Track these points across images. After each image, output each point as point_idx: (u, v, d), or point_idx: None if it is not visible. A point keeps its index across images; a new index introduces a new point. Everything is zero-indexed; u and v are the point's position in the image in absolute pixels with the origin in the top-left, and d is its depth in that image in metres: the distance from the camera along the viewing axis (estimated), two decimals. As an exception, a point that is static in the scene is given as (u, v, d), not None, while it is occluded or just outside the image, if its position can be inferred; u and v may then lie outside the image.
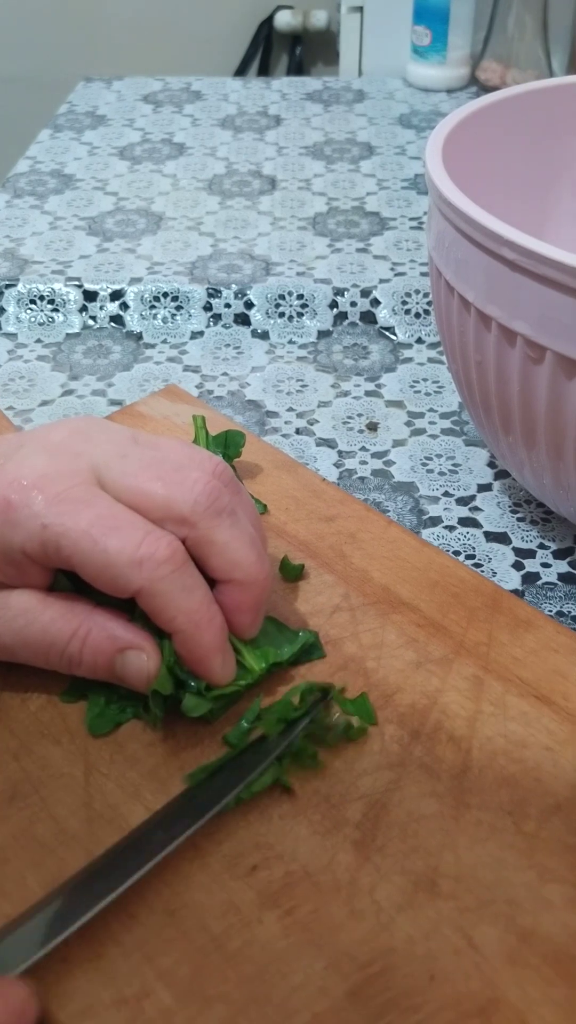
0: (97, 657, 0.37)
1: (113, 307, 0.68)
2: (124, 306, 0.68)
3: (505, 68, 1.00)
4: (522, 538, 0.50)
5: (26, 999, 0.29)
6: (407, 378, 0.62)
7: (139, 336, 0.67)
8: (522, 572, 0.48)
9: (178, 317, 0.68)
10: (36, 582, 0.37)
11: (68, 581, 0.38)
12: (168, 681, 0.37)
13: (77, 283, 0.69)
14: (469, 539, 0.50)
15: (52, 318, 0.68)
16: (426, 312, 0.67)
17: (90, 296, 0.69)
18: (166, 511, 0.36)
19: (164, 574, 0.35)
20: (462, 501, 0.52)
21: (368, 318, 0.67)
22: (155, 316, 0.68)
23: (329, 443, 0.57)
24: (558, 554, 0.49)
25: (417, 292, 0.68)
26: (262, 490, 0.49)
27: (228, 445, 0.50)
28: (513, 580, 0.48)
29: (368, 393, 0.61)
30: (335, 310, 0.68)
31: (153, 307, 0.68)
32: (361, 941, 0.32)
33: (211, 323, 0.68)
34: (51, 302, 0.69)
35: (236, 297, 0.68)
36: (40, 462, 0.37)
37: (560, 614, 0.46)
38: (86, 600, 0.38)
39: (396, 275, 0.70)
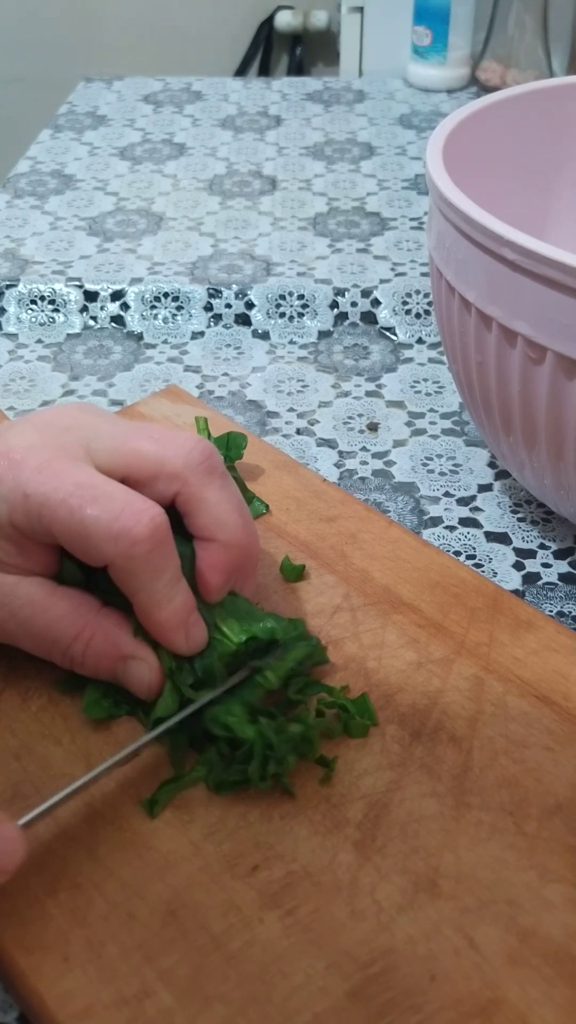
0: (99, 661, 0.37)
1: (114, 307, 0.68)
2: (125, 306, 0.68)
3: (505, 68, 1.00)
4: (523, 538, 0.50)
5: (16, 837, 0.30)
6: (408, 378, 0.62)
7: (140, 336, 0.67)
8: (523, 572, 0.48)
9: (179, 317, 0.68)
10: (40, 563, 0.38)
11: (78, 569, 0.38)
12: (172, 701, 0.37)
13: (78, 283, 0.69)
14: (470, 539, 0.50)
15: (53, 318, 0.68)
16: (427, 312, 0.67)
17: (91, 296, 0.69)
18: (158, 468, 0.37)
19: (137, 553, 0.35)
20: (463, 501, 0.52)
21: (369, 318, 0.67)
22: (156, 316, 0.68)
23: (330, 443, 0.57)
24: (558, 554, 0.49)
25: (418, 292, 0.68)
26: (263, 490, 0.49)
27: (230, 447, 0.50)
28: (514, 580, 0.48)
29: (369, 393, 0.61)
30: (336, 310, 0.68)
31: (154, 307, 0.68)
32: (362, 941, 0.32)
33: (212, 323, 0.68)
34: (52, 302, 0.69)
35: (237, 297, 0.68)
36: (28, 436, 0.37)
37: (561, 614, 0.46)
38: (93, 599, 0.38)
39: (397, 275, 0.70)
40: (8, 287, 0.69)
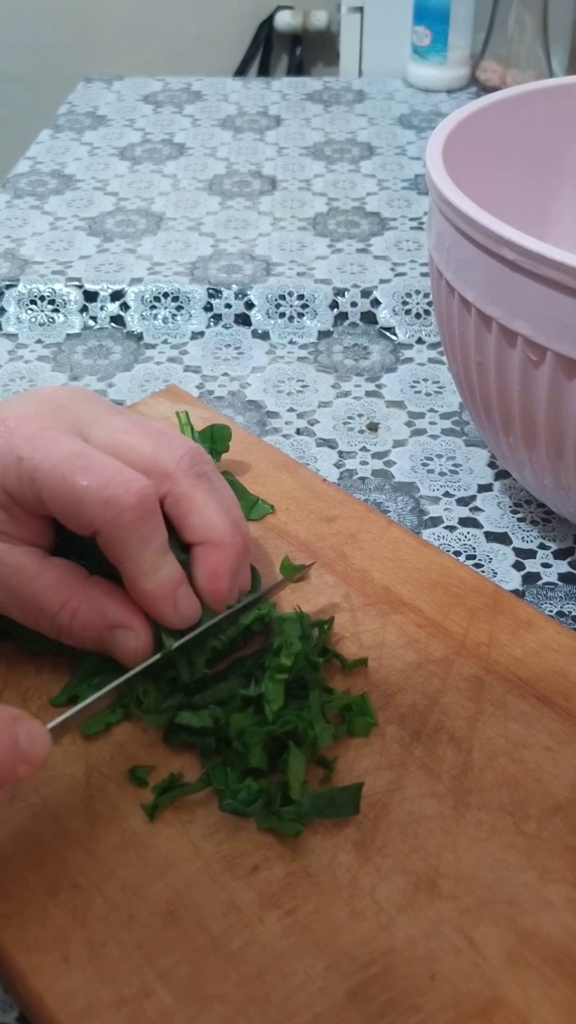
0: (86, 631, 0.38)
1: (114, 307, 0.68)
2: (124, 306, 0.68)
3: (505, 68, 1.00)
4: (522, 538, 0.50)
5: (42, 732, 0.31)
6: (407, 378, 0.62)
7: (140, 336, 0.67)
8: (522, 572, 0.48)
9: (178, 317, 0.68)
10: (31, 532, 0.38)
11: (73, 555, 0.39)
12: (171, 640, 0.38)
13: (77, 283, 0.69)
14: (469, 539, 0.50)
15: (52, 318, 0.68)
16: (426, 312, 0.67)
17: (90, 296, 0.69)
18: (151, 465, 0.37)
19: (125, 520, 0.36)
20: (462, 501, 0.52)
21: (368, 318, 0.67)
22: (155, 316, 0.68)
23: (330, 443, 0.57)
24: (558, 554, 0.49)
25: (417, 292, 0.68)
26: (262, 490, 0.49)
27: (215, 440, 0.49)
28: (513, 580, 0.48)
29: (368, 393, 0.61)
30: (335, 310, 0.68)
31: (153, 307, 0.68)
32: (362, 941, 0.32)
33: (211, 323, 0.68)
34: (51, 302, 0.69)
35: (236, 297, 0.68)
36: (24, 407, 0.38)
37: (560, 614, 0.46)
38: (82, 569, 0.38)
39: (396, 275, 0.70)
40: (8, 287, 0.69)
